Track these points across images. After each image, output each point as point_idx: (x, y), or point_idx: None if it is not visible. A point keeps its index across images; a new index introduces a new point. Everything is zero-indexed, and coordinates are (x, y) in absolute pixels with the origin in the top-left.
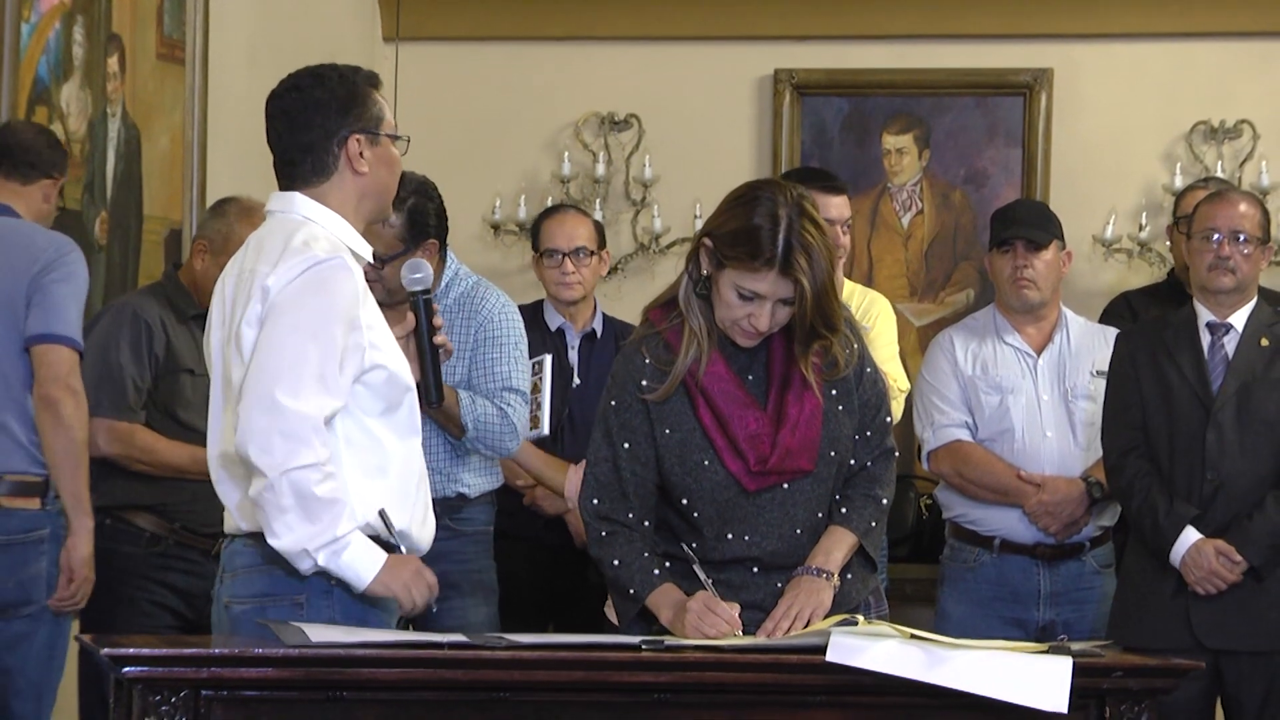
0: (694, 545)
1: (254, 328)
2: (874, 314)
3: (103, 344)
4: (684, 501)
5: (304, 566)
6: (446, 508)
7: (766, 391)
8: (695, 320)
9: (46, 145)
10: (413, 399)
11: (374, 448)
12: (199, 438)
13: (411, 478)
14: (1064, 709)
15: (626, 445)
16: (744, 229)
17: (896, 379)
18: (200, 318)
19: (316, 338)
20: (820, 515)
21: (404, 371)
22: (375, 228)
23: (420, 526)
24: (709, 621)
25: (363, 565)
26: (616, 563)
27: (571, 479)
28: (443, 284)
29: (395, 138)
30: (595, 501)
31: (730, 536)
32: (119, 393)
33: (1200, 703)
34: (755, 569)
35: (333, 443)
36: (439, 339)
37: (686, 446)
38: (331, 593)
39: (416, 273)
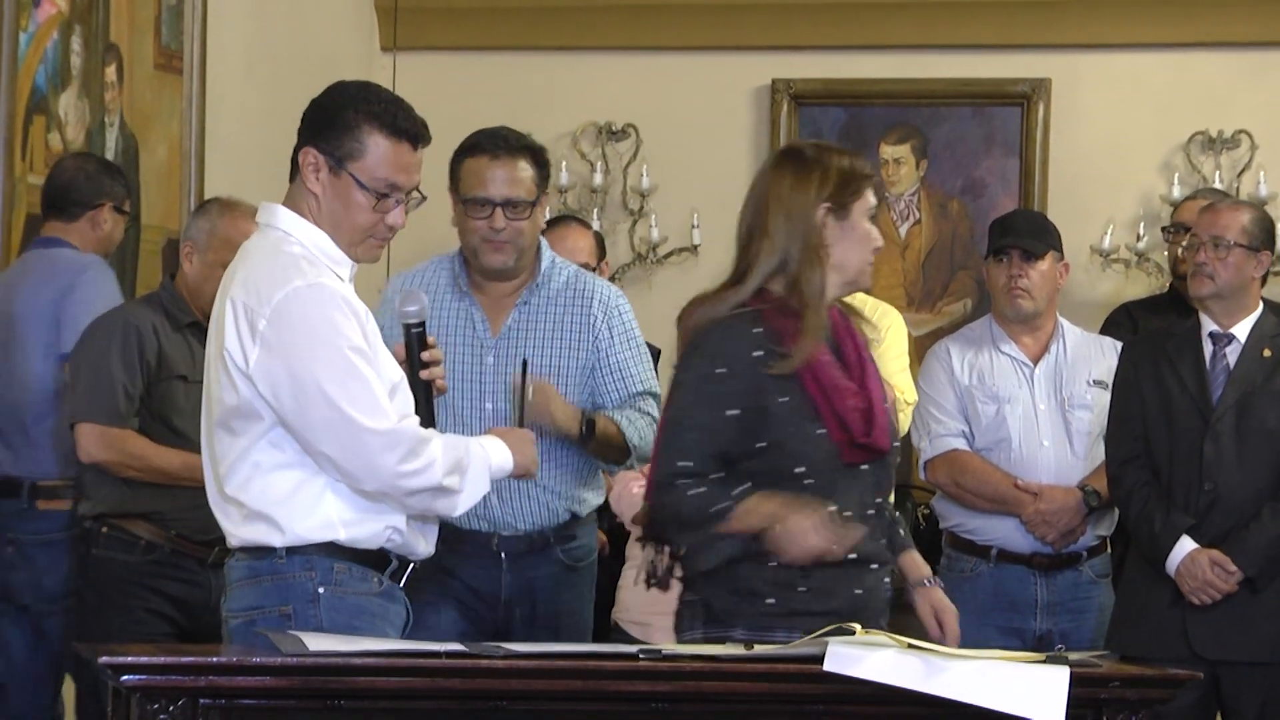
0: None
1: (242, 350)
2: (885, 326)
3: (94, 352)
4: (800, 469)
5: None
6: (560, 536)
7: (848, 371)
8: (816, 294)
9: (85, 178)
10: (407, 403)
11: None
12: (192, 444)
13: None
14: (1061, 719)
15: (734, 412)
16: (848, 166)
17: (905, 391)
18: (195, 325)
19: (335, 349)
20: (879, 501)
21: (400, 378)
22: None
23: (417, 535)
24: (828, 533)
25: (501, 462)
26: (703, 501)
27: (616, 488)
28: (540, 274)
29: (362, 186)
30: (689, 464)
31: (832, 509)
32: (110, 399)
33: (1197, 713)
34: None
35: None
36: (428, 374)
37: (801, 415)
38: (318, 601)
39: (411, 305)
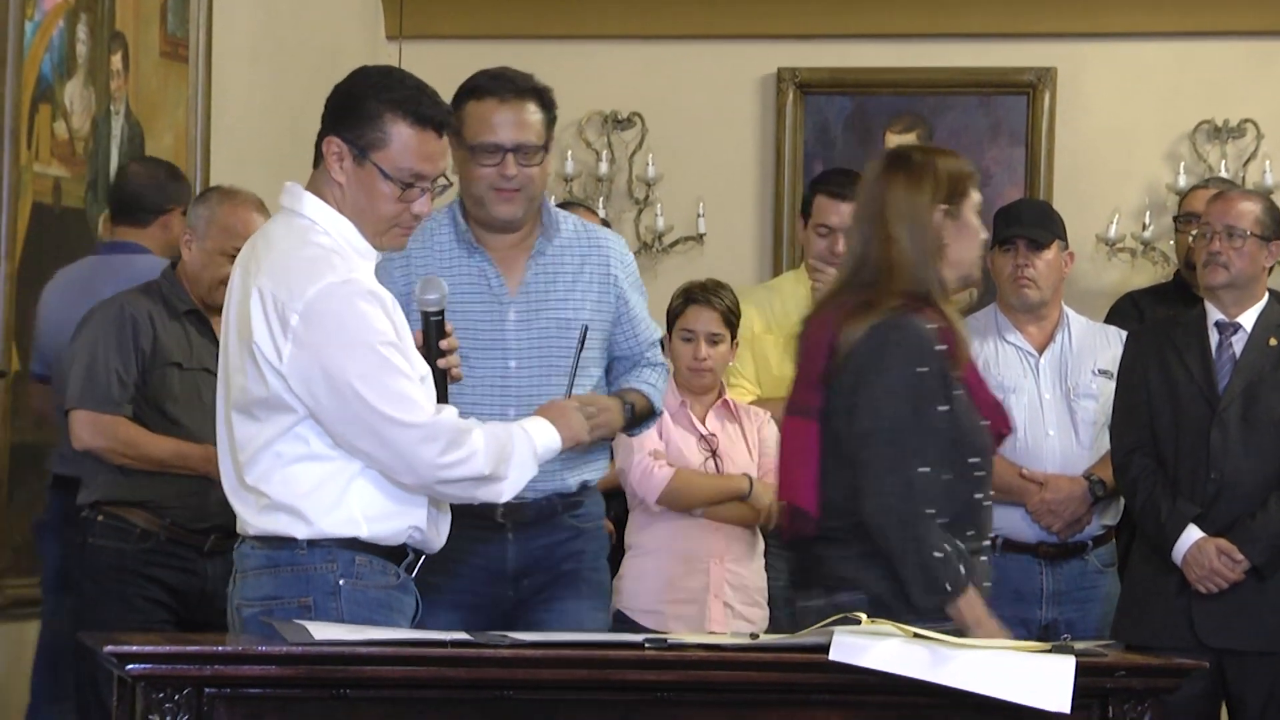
0: None
1: (274, 345)
2: None
3: (89, 340)
4: (974, 460)
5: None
6: (568, 504)
7: None
8: (946, 292)
9: (155, 185)
10: (433, 393)
11: None
12: (186, 431)
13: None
14: (1067, 708)
15: (944, 408)
16: (955, 167)
17: None
18: (193, 313)
19: (368, 346)
20: None
21: (426, 370)
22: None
23: (434, 529)
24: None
25: (548, 443)
26: (949, 569)
27: (635, 472)
28: (548, 223)
29: (387, 176)
30: (925, 469)
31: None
32: (102, 386)
33: (1204, 702)
34: None
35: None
36: (445, 362)
37: (970, 408)
38: (338, 593)
39: (431, 293)
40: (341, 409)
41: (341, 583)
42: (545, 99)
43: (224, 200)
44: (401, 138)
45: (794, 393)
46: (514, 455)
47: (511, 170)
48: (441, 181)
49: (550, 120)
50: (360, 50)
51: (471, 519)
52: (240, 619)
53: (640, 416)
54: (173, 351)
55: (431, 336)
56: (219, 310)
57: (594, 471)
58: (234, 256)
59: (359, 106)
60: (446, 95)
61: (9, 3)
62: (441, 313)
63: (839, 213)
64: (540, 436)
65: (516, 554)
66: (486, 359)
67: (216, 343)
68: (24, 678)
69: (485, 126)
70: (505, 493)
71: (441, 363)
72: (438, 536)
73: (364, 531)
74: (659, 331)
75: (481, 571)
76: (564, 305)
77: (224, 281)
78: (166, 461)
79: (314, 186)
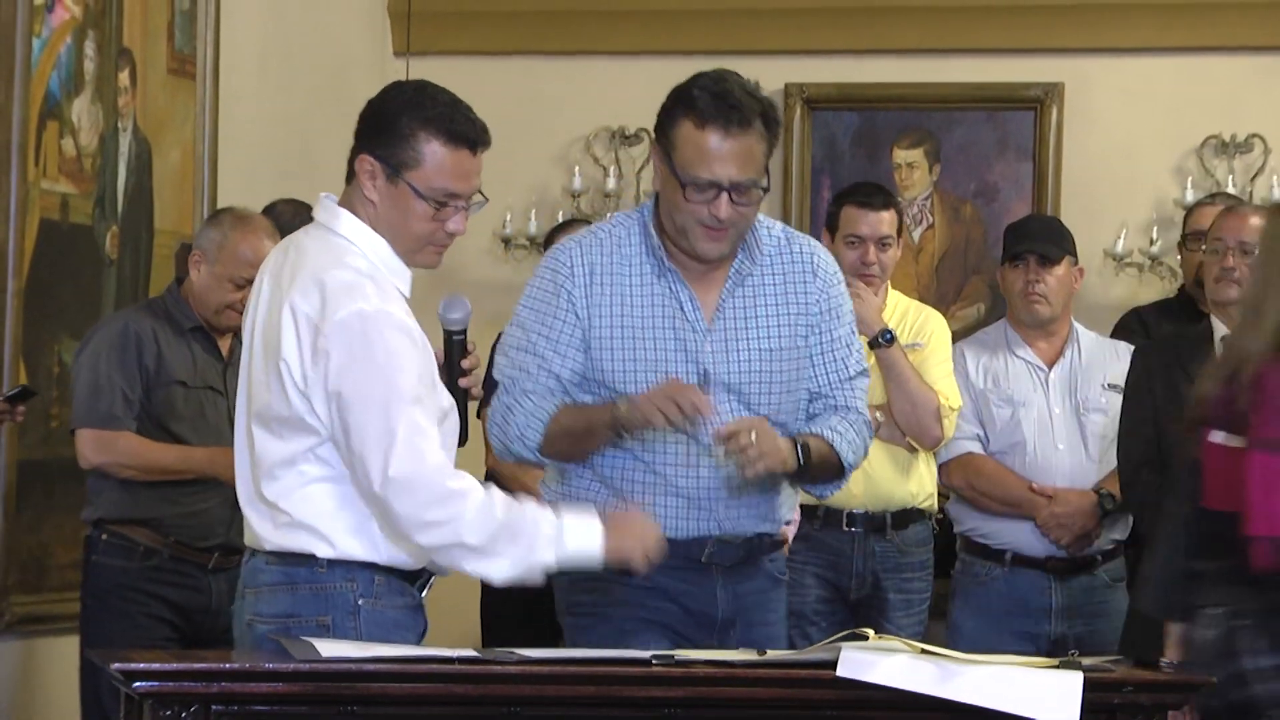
0: None
1: (301, 366)
2: (928, 331)
3: (93, 358)
4: None
5: (537, 579)
6: (769, 546)
7: None
8: None
9: (300, 223)
10: (453, 432)
11: None
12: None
13: None
14: None
15: None
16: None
17: (949, 396)
18: (197, 330)
19: (387, 385)
20: None
21: (450, 404)
22: None
23: None
24: None
25: (582, 547)
26: None
27: None
28: (753, 240)
29: (420, 195)
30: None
31: None
32: (106, 404)
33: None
34: None
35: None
36: (465, 382)
37: None
38: (358, 613)
39: (455, 312)
40: (345, 435)
41: (361, 602)
42: (771, 119)
43: (236, 225)
44: (435, 157)
45: (1261, 429)
46: (520, 537)
47: (724, 212)
48: (477, 199)
49: (774, 141)
50: (367, 66)
51: (676, 558)
52: (252, 635)
53: (818, 464)
54: (177, 370)
55: (454, 356)
56: (223, 330)
57: (790, 511)
58: (243, 285)
59: (392, 124)
60: None
61: (16, 19)
62: (464, 332)
63: (868, 222)
64: (576, 536)
65: (726, 600)
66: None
67: (222, 360)
68: (33, 693)
69: (701, 159)
70: (496, 572)
71: (463, 382)
72: None
73: (383, 556)
74: (862, 365)
75: (689, 610)
76: (765, 336)
77: (230, 306)
78: (172, 467)
79: (346, 202)
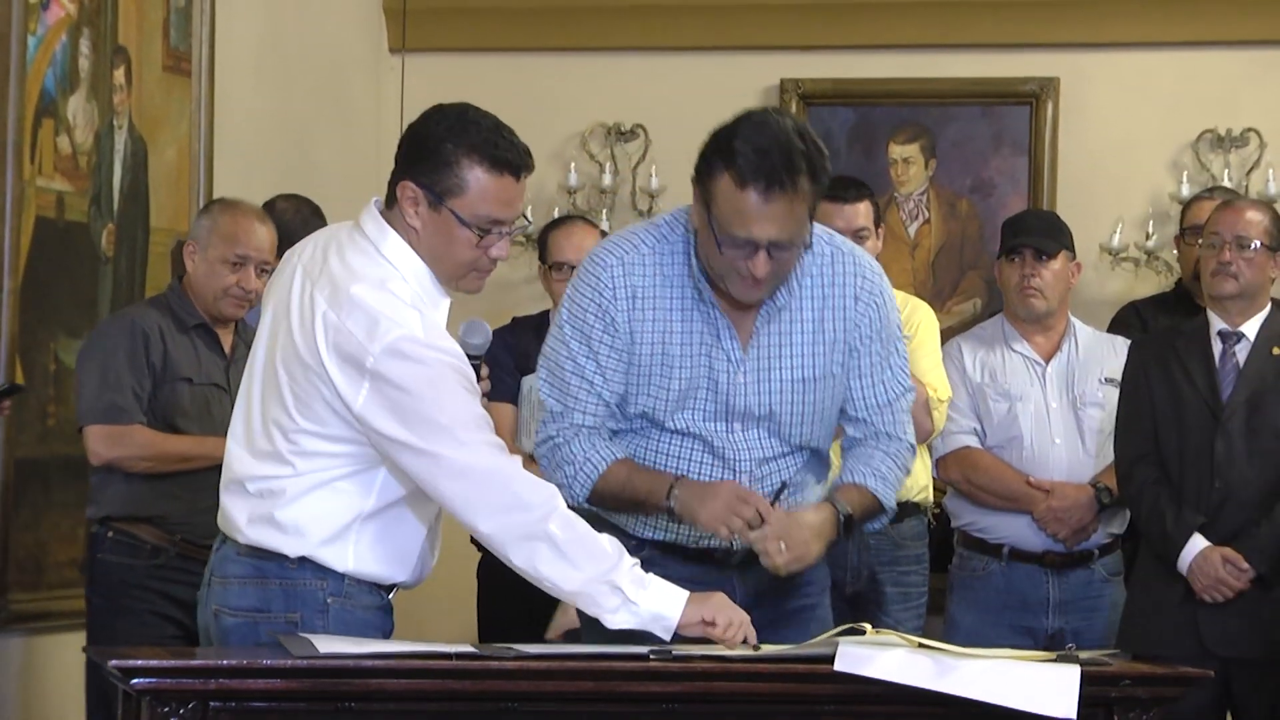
0: None
1: (339, 378)
2: (915, 322)
3: (101, 354)
4: None
5: (610, 605)
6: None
7: None
8: None
9: (299, 220)
10: None
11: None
12: None
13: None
14: (1072, 717)
15: None
16: None
17: (938, 388)
18: (201, 327)
19: (440, 388)
20: None
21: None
22: None
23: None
24: None
25: (660, 611)
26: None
27: None
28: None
29: (464, 223)
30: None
31: None
32: (116, 400)
33: (1209, 711)
34: None
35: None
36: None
37: None
38: (327, 611)
39: (475, 338)
40: (421, 466)
41: (330, 601)
42: (818, 170)
43: (225, 210)
44: (479, 184)
45: None
46: (612, 559)
47: (762, 270)
48: (520, 223)
49: (821, 191)
50: (363, 63)
51: (698, 564)
52: (218, 626)
53: (862, 522)
54: (183, 366)
55: None
56: (225, 322)
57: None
58: (235, 264)
59: (435, 152)
60: None
61: (12, 17)
62: (480, 358)
63: (843, 216)
64: (656, 600)
65: (743, 584)
66: (707, 421)
67: (225, 357)
68: (32, 692)
69: (739, 219)
70: (567, 583)
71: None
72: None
73: (351, 568)
74: (905, 385)
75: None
76: (799, 365)
77: (227, 290)
78: (188, 455)
79: (390, 221)
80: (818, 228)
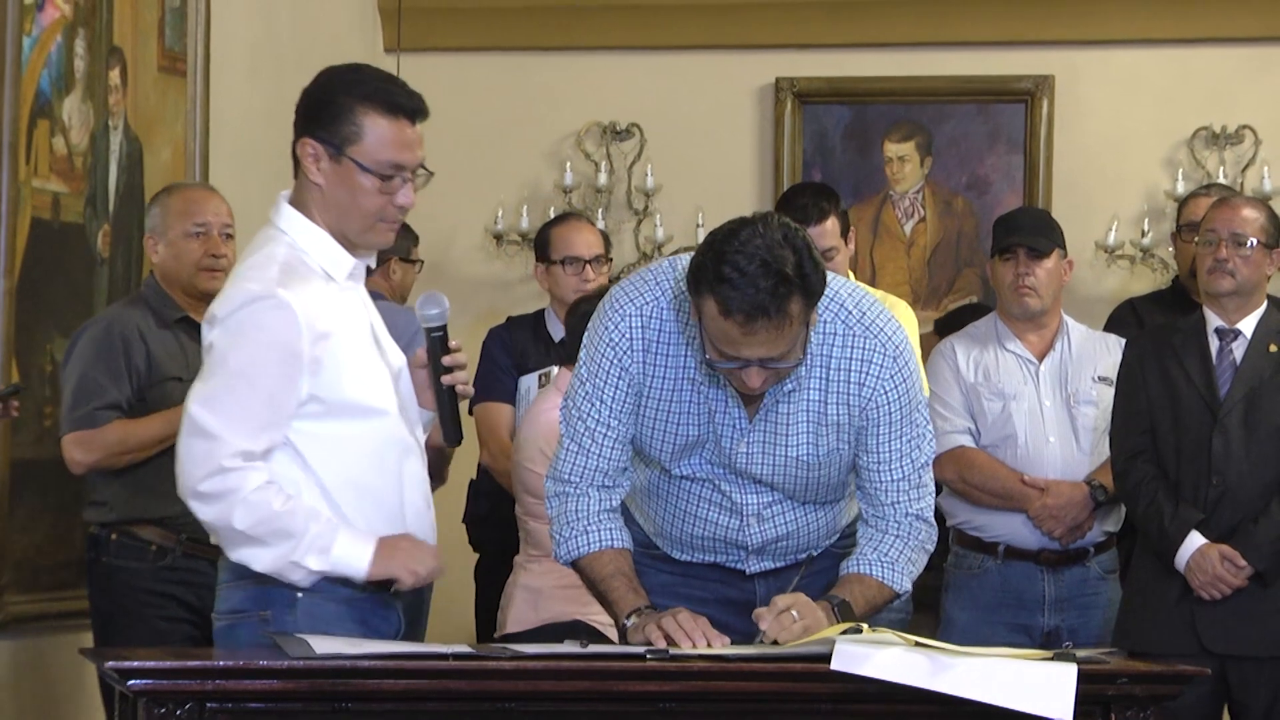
0: None
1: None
2: None
3: (78, 363)
4: None
5: (298, 578)
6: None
7: None
8: None
9: None
10: (387, 423)
11: (336, 464)
12: None
13: (391, 495)
14: (1069, 716)
15: None
16: None
17: None
18: (184, 321)
19: (246, 377)
20: None
21: (368, 396)
22: None
23: (419, 518)
24: None
25: (349, 560)
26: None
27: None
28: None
29: (365, 169)
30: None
31: None
32: (90, 407)
33: (1207, 708)
34: None
35: (281, 467)
36: (450, 379)
37: None
38: (295, 606)
39: (431, 308)
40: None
41: (299, 596)
42: (810, 287)
43: (170, 193)
44: (376, 129)
45: None
46: (297, 536)
47: (756, 381)
48: (422, 173)
49: (817, 298)
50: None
51: (719, 575)
52: (215, 631)
53: (868, 612)
54: (170, 365)
55: (435, 353)
56: (208, 299)
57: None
58: (198, 234)
59: (329, 104)
60: (446, 107)
61: (7, 18)
62: (444, 328)
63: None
64: (343, 547)
65: (765, 593)
66: (714, 468)
67: None
68: (27, 695)
69: (725, 341)
70: (262, 562)
71: (447, 379)
72: (424, 521)
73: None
74: (922, 459)
75: (729, 604)
76: (802, 443)
77: (198, 264)
78: (162, 435)
79: (296, 195)
80: (834, 296)
